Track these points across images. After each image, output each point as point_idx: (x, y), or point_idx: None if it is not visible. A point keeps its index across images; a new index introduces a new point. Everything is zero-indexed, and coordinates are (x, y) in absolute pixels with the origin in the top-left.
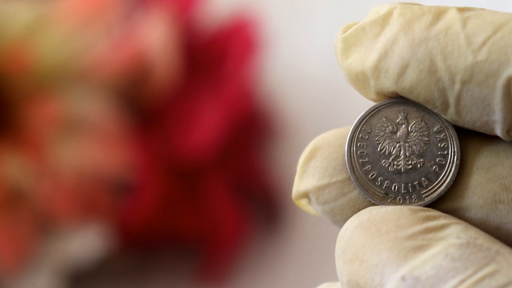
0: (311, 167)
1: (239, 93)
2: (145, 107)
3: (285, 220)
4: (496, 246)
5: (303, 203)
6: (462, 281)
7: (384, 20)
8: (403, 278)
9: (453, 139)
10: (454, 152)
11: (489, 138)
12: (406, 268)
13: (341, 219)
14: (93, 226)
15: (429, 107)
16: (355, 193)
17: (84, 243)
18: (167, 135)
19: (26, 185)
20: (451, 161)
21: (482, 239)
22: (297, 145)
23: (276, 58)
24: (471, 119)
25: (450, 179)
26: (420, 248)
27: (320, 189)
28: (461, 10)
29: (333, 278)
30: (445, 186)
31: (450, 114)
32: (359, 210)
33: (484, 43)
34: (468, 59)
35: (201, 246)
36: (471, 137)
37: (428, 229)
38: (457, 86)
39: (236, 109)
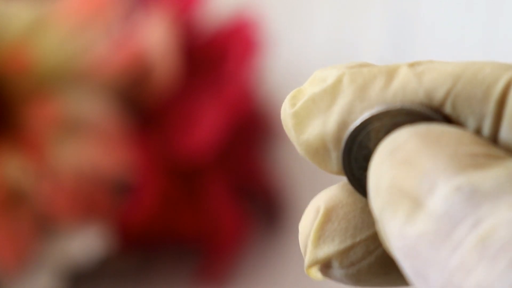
0: (328, 231)
1: (239, 94)
2: (145, 108)
3: (285, 220)
4: None
5: (312, 271)
6: None
7: (334, 89)
8: (458, 188)
9: None
10: None
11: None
12: (463, 179)
13: (365, 278)
14: (93, 227)
15: None
16: (381, 250)
17: (84, 243)
18: (167, 136)
19: (26, 185)
20: None
21: None
22: None
23: (276, 58)
24: None
25: None
26: (481, 166)
27: (344, 252)
28: (411, 65)
29: None
30: None
31: None
32: (386, 266)
33: (445, 98)
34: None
35: (201, 246)
36: None
37: (490, 155)
38: None
39: (236, 110)
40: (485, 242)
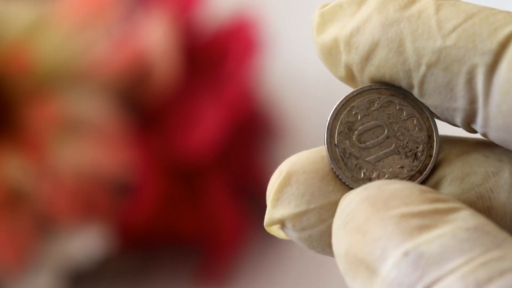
0: (286, 193)
1: (239, 94)
2: (145, 108)
3: None
4: (504, 234)
5: (273, 229)
6: (468, 261)
7: (362, 0)
8: (405, 253)
9: (435, 145)
10: (432, 153)
11: (460, 149)
12: (410, 244)
13: (318, 245)
14: (93, 227)
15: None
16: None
17: (84, 243)
18: (167, 136)
19: (26, 185)
20: (426, 160)
21: (491, 226)
22: (297, 146)
23: (276, 58)
24: (433, 103)
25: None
26: (427, 227)
27: (298, 216)
28: None
29: (333, 277)
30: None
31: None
32: None
33: (454, 29)
34: (436, 43)
35: (201, 246)
36: (444, 150)
37: (437, 211)
38: (422, 69)
39: (236, 110)
40: None
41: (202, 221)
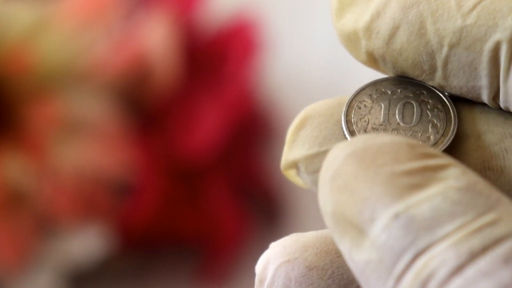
0: (301, 136)
1: (240, 95)
2: (145, 108)
3: (285, 220)
4: (496, 194)
5: (291, 174)
6: (460, 227)
7: None
8: (396, 216)
9: (451, 107)
10: (451, 116)
11: (479, 107)
12: (400, 206)
13: None
14: (93, 227)
15: (417, 71)
16: None
17: (85, 243)
18: (168, 136)
19: (27, 186)
20: (448, 123)
21: (482, 185)
22: None
23: (277, 59)
24: (458, 84)
25: (448, 138)
26: (418, 187)
27: (309, 158)
28: None
29: None
30: (442, 145)
31: (438, 79)
32: None
33: (474, 7)
34: (457, 23)
35: (201, 246)
36: (463, 107)
37: (427, 168)
38: (445, 49)
39: (237, 110)
40: (423, 281)
41: (202, 221)
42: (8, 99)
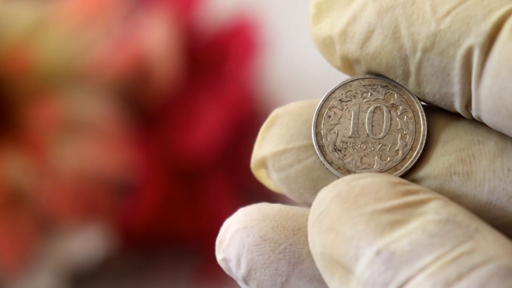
0: (270, 134)
1: (240, 94)
2: (145, 108)
3: None
4: (476, 223)
5: (262, 175)
6: (438, 258)
7: None
8: (378, 252)
9: (421, 114)
10: (421, 126)
11: (449, 116)
12: (382, 243)
13: (295, 187)
14: (94, 227)
15: (391, 76)
16: (310, 161)
17: (85, 243)
18: (168, 136)
19: (27, 185)
20: (417, 135)
21: (462, 216)
22: None
23: (277, 59)
24: (430, 90)
25: (416, 152)
26: (398, 223)
27: (276, 155)
28: None
29: None
30: (412, 160)
31: (411, 84)
32: (313, 178)
33: (448, 13)
34: (431, 27)
35: (201, 246)
36: (433, 111)
37: (408, 204)
38: (418, 54)
39: (237, 110)
40: None
41: (203, 221)
42: (8, 99)
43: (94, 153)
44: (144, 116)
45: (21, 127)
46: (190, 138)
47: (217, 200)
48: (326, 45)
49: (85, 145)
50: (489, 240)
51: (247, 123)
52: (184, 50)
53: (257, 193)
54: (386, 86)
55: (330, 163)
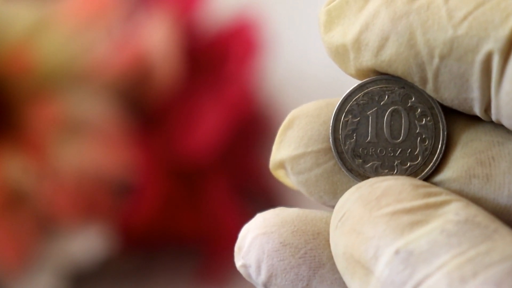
0: (288, 136)
1: (240, 95)
2: (146, 109)
3: None
4: (495, 224)
5: (280, 175)
6: (455, 256)
7: None
8: (396, 252)
9: (440, 116)
10: (440, 129)
11: (469, 116)
12: (401, 242)
13: (315, 190)
14: (94, 227)
15: None
16: (330, 164)
17: (86, 244)
18: (169, 136)
19: (28, 186)
20: (437, 138)
21: (482, 217)
22: None
23: (277, 60)
24: (449, 96)
25: (437, 157)
26: (418, 223)
27: (295, 158)
28: None
29: None
30: (432, 165)
31: (429, 90)
32: (333, 182)
33: (465, 18)
34: (448, 33)
35: (201, 247)
36: (451, 112)
37: (428, 205)
38: (435, 61)
39: (237, 111)
40: None
41: (203, 221)
42: (9, 99)
43: (95, 154)
44: (145, 117)
45: (22, 127)
46: (191, 138)
47: (217, 200)
48: (339, 53)
49: (86, 146)
50: (507, 240)
51: (247, 123)
52: (185, 50)
53: (257, 193)
54: (403, 87)
55: (350, 170)
